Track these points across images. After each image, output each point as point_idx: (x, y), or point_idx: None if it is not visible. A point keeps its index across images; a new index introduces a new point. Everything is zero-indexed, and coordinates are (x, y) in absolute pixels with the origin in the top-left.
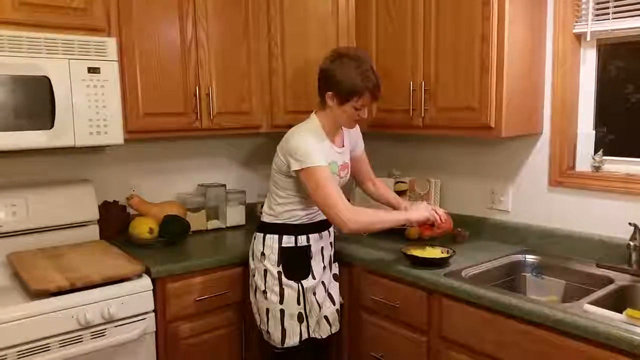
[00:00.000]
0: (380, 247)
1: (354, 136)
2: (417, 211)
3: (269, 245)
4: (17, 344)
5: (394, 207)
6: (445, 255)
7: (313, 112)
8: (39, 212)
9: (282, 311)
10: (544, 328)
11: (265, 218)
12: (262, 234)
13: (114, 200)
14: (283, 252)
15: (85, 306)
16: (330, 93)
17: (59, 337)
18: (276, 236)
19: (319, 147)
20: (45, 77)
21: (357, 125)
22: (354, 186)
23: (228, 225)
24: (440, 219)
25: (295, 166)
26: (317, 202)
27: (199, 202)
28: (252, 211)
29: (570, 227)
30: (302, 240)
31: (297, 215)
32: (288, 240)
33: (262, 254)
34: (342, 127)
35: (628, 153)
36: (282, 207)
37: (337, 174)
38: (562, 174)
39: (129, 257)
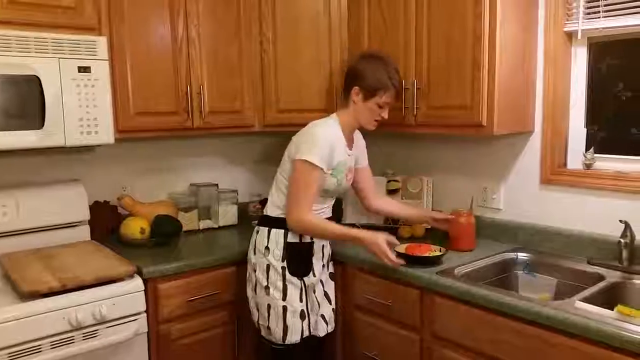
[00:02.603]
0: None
1: (360, 146)
2: (370, 239)
3: (274, 240)
4: (8, 345)
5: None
6: (437, 253)
7: (334, 113)
8: (29, 213)
9: (284, 307)
10: (536, 325)
11: (271, 212)
12: (267, 228)
13: (105, 201)
14: (288, 247)
15: (77, 307)
16: (356, 88)
17: (51, 338)
18: (282, 231)
19: (331, 149)
20: (35, 76)
21: (363, 139)
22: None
23: (220, 225)
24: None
25: (300, 155)
26: (289, 191)
27: (190, 202)
28: (245, 211)
29: (562, 224)
30: (306, 236)
31: None
32: (293, 236)
33: (267, 248)
34: (354, 134)
35: (619, 151)
36: None
37: (345, 175)
38: (554, 172)
39: (121, 258)
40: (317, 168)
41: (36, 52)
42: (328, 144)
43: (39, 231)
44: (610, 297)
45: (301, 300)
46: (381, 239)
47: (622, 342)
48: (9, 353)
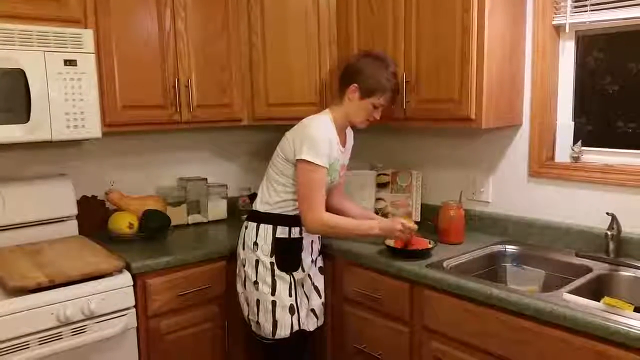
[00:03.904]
0: (362, 239)
1: (350, 144)
2: (386, 229)
3: (263, 235)
4: None
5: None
6: (427, 246)
7: (327, 109)
8: (16, 208)
9: (274, 302)
10: (524, 317)
11: (260, 207)
12: (256, 224)
13: (93, 195)
14: (276, 242)
15: (65, 302)
16: (354, 86)
17: (39, 334)
18: (270, 226)
19: (331, 146)
20: (20, 69)
21: (353, 138)
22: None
23: (209, 219)
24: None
25: (304, 155)
26: (300, 195)
27: (179, 196)
28: (234, 205)
29: (550, 217)
30: (295, 232)
31: (295, 205)
32: (282, 231)
33: (255, 243)
34: (347, 130)
35: (606, 144)
36: (280, 196)
37: (339, 172)
38: (542, 165)
39: (109, 253)
40: (322, 167)
41: (21, 45)
42: (328, 143)
43: (26, 227)
44: (597, 289)
45: (290, 295)
46: (396, 230)
47: (608, 333)
48: None
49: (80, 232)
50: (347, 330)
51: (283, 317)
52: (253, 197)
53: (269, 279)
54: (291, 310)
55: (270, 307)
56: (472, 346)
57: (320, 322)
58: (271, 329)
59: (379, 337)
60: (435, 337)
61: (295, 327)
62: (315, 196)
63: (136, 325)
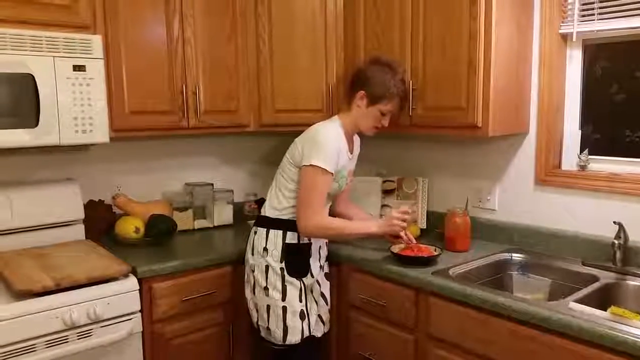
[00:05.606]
0: (368, 246)
1: (357, 150)
2: (384, 223)
3: (272, 241)
4: (1, 345)
5: None
6: (432, 253)
7: (336, 116)
8: (23, 212)
9: (284, 308)
10: (530, 326)
11: (269, 213)
12: (265, 229)
13: (100, 200)
14: (287, 248)
15: (71, 306)
16: (362, 92)
17: (45, 337)
18: (280, 232)
19: (339, 153)
20: (30, 74)
21: (359, 146)
22: None
23: (215, 224)
24: (407, 236)
25: (312, 160)
26: (301, 198)
27: (185, 202)
28: (240, 210)
29: (556, 225)
30: (304, 237)
31: None
32: (291, 237)
33: (265, 249)
34: (355, 137)
35: (613, 152)
36: (289, 202)
37: (346, 179)
38: (548, 173)
39: (115, 257)
40: (328, 173)
41: (31, 51)
42: (336, 149)
43: (33, 230)
44: (603, 298)
45: (300, 301)
46: (393, 219)
47: (615, 343)
48: (3, 352)
49: (86, 236)
50: (352, 337)
51: (294, 322)
52: (259, 202)
53: (279, 285)
54: (302, 315)
55: (280, 312)
56: (477, 354)
57: (327, 329)
58: (282, 334)
59: (384, 345)
60: (440, 345)
61: (306, 333)
62: (316, 199)
63: (141, 329)
